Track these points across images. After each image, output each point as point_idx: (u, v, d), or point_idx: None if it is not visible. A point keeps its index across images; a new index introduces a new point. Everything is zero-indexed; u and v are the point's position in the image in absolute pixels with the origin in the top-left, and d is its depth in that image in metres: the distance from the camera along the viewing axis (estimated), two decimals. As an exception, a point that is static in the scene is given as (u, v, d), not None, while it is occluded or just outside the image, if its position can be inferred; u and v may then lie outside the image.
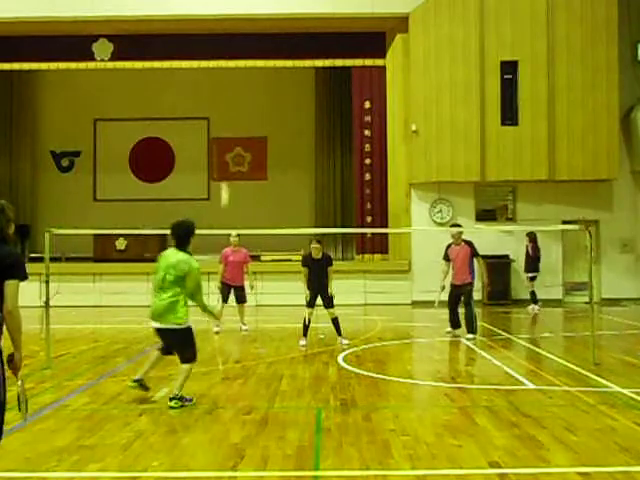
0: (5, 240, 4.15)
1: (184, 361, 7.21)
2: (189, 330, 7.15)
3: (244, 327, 13.05)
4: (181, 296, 7.07)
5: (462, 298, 11.88)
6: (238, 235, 13.26)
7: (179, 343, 7.19)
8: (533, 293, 16.15)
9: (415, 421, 6.38)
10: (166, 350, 7.37)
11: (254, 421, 6.36)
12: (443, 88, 17.32)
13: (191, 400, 7.14)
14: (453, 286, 11.97)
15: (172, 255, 7.26)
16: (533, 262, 16.17)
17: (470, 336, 11.52)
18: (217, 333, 12.71)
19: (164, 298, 7.07)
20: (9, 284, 4.05)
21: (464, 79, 17.24)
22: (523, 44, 17.22)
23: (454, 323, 12.08)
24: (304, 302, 11.00)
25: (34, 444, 5.68)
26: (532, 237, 16.27)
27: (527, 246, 16.33)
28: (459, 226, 12.77)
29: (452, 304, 12.07)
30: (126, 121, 22.93)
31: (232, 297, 13.17)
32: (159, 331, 7.17)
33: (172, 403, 7.01)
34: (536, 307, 15.95)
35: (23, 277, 4.14)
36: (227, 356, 10.11)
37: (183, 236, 7.34)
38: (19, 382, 4.14)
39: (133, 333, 12.80)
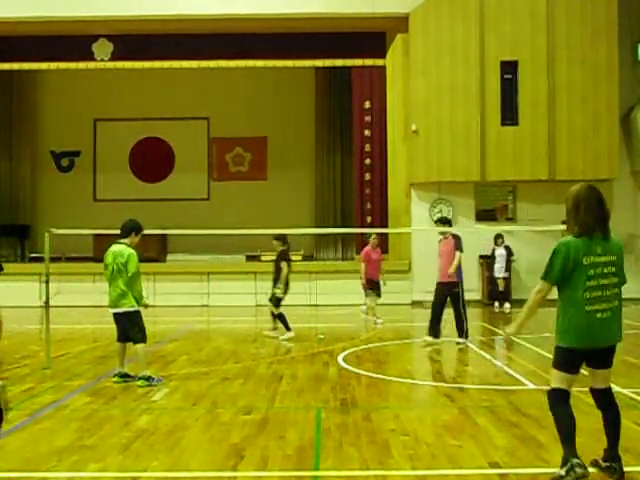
0: None
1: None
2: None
3: (378, 320, 13.39)
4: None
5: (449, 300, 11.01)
6: (377, 235, 14.35)
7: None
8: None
9: (415, 421, 6.38)
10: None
11: (254, 421, 6.36)
12: (443, 88, 17.32)
13: (161, 380, 8.01)
14: (439, 285, 11.08)
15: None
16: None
17: (460, 341, 10.95)
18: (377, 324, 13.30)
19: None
20: None
21: (464, 79, 17.24)
22: (523, 44, 17.22)
23: (436, 331, 10.99)
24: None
25: (34, 444, 5.68)
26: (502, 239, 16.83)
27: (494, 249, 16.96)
28: (446, 221, 11.80)
29: (437, 307, 11.03)
30: (126, 121, 22.94)
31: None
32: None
33: (139, 383, 7.87)
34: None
35: None
36: (227, 356, 10.11)
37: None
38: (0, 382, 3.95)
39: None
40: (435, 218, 12.66)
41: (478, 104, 17.23)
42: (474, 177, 17.31)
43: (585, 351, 4.63)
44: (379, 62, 18.72)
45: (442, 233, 11.28)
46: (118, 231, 8.25)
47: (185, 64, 18.98)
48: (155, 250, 19.36)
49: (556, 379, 4.72)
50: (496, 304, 16.77)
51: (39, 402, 7.12)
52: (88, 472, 5.04)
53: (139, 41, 18.46)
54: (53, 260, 10.89)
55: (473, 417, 6.44)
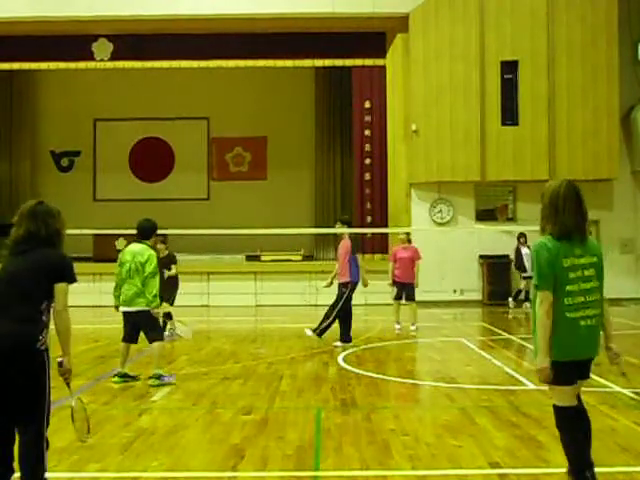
0: (54, 245, 4.28)
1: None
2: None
3: (412, 327, 12.68)
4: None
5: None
6: (407, 233, 13.28)
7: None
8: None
9: (415, 421, 6.38)
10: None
11: (254, 421, 6.36)
12: (443, 88, 17.31)
13: (173, 377, 8.06)
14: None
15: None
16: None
17: (339, 344, 10.78)
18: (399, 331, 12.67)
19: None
20: (59, 287, 4.17)
21: (464, 79, 17.23)
22: (523, 44, 17.21)
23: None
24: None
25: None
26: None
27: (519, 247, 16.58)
28: (347, 222, 11.71)
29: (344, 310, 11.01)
30: (126, 121, 22.94)
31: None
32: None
33: (151, 381, 7.91)
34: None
35: (72, 280, 4.26)
36: (227, 356, 10.11)
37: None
38: (73, 402, 4.31)
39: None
40: (339, 219, 11.94)
41: (478, 104, 17.21)
42: (474, 177, 17.31)
43: (574, 362, 4.27)
44: (379, 62, 18.69)
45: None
46: (118, 231, 8.33)
47: (185, 64, 18.96)
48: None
49: (557, 395, 4.36)
50: (527, 304, 15.78)
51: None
52: (88, 472, 5.04)
53: (139, 41, 18.44)
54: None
55: (473, 417, 6.44)
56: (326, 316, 11.01)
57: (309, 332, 10.97)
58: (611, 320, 4.44)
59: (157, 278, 8.01)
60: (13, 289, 4.11)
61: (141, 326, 8.07)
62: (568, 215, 4.24)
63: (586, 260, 4.24)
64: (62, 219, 4.38)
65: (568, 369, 4.25)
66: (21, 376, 4.04)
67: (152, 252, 8.12)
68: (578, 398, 4.44)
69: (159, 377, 7.94)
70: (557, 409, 4.38)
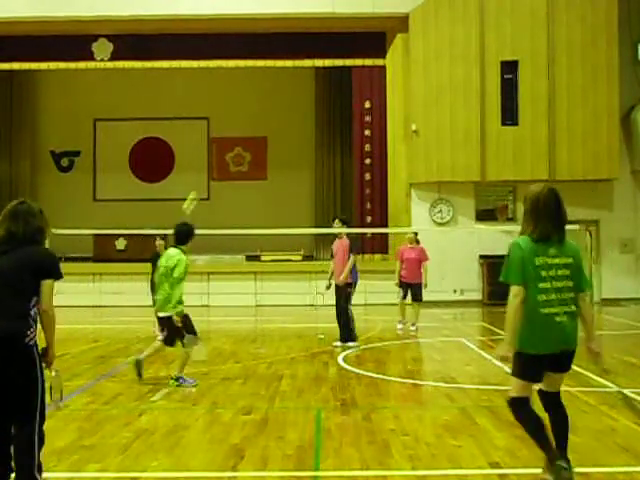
0: (38, 243, 4.30)
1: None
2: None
3: (412, 327, 12.68)
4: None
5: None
6: (415, 233, 13.19)
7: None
8: None
9: (415, 421, 6.38)
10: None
11: (254, 421, 6.36)
12: (443, 88, 17.31)
13: (193, 382, 7.95)
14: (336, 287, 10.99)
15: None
16: None
17: (351, 344, 10.74)
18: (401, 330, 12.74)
19: None
20: (45, 284, 4.21)
21: (464, 79, 17.23)
22: (523, 44, 17.21)
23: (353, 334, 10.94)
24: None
25: (34, 444, 5.66)
26: None
27: None
28: (346, 222, 11.61)
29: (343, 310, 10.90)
30: (126, 121, 22.93)
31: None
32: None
33: (170, 382, 7.89)
34: None
35: (58, 276, 4.29)
36: (227, 356, 10.11)
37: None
38: (53, 372, 4.41)
39: (133, 333, 12.80)
40: (334, 217, 11.82)
41: (478, 104, 17.22)
42: (474, 177, 17.31)
43: (547, 356, 4.45)
44: (379, 62, 18.70)
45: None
46: (118, 231, 8.31)
47: (185, 64, 18.97)
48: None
49: (517, 387, 4.55)
50: None
51: (39, 402, 7.10)
52: (88, 472, 5.04)
53: (139, 41, 18.45)
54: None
55: (473, 417, 6.44)
56: (343, 323, 10.83)
57: (338, 343, 10.74)
58: (591, 319, 4.63)
59: (182, 284, 7.90)
60: None
61: (167, 331, 8.06)
62: (547, 220, 4.43)
63: (560, 260, 4.43)
64: (44, 217, 4.37)
65: (537, 363, 4.44)
66: (11, 371, 4.07)
67: (182, 257, 7.95)
68: (555, 395, 4.62)
69: (177, 379, 7.94)
70: (512, 401, 4.57)
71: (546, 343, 4.41)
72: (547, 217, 4.42)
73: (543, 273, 4.39)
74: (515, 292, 4.43)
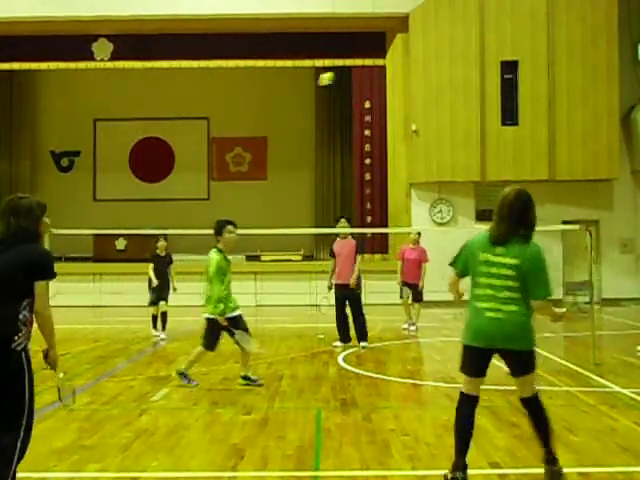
0: (34, 239, 4.14)
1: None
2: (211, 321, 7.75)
3: (412, 327, 12.66)
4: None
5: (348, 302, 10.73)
6: (418, 233, 13.15)
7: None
8: None
9: (415, 421, 6.37)
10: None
11: (254, 421, 6.36)
12: (443, 88, 17.31)
13: (196, 383, 7.85)
14: (340, 287, 10.87)
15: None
16: None
17: (365, 344, 10.70)
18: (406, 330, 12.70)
19: None
20: (39, 286, 4.02)
21: (464, 79, 17.23)
22: (523, 44, 17.21)
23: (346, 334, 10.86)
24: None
25: (34, 444, 5.62)
26: None
27: None
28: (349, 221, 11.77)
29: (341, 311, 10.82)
30: (126, 121, 22.94)
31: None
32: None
33: (173, 374, 7.98)
34: None
35: (52, 276, 4.11)
36: (227, 356, 10.10)
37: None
38: (61, 374, 4.37)
39: (133, 333, 12.80)
40: (341, 216, 11.78)
41: (478, 104, 17.22)
42: (474, 177, 17.31)
43: (482, 351, 4.51)
44: (379, 62, 18.70)
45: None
46: (118, 231, 8.28)
47: (185, 64, 18.97)
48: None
49: (463, 382, 4.69)
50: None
51: (39, 402, 7.06)
52: (88, 472, 5.04)
53: (139, 41, 18.44)
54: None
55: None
56: (358, 324, 10.74)
57: (363, 343, 10.67)
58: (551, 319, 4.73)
59: (216, 283, 7.68)
60: None
61: (204, 333, 7.86)
62: (501, 221, 4.55)
63: (506, 260, 4.49)
64: (35, 214, 4.15)
65: (469, 356, 4.59)
66: None
67: (214, 256, 7.81)
68: (528, 400, 4.64)
69: (181, 374, 7.83)
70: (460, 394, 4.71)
71: (474, 335, 4.55)
72: (503, 218, 4.53)
73: (484, 269, 4.54)
74: (452, 278, 4.82)
